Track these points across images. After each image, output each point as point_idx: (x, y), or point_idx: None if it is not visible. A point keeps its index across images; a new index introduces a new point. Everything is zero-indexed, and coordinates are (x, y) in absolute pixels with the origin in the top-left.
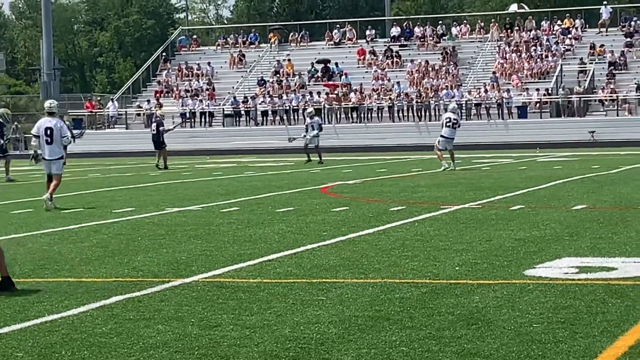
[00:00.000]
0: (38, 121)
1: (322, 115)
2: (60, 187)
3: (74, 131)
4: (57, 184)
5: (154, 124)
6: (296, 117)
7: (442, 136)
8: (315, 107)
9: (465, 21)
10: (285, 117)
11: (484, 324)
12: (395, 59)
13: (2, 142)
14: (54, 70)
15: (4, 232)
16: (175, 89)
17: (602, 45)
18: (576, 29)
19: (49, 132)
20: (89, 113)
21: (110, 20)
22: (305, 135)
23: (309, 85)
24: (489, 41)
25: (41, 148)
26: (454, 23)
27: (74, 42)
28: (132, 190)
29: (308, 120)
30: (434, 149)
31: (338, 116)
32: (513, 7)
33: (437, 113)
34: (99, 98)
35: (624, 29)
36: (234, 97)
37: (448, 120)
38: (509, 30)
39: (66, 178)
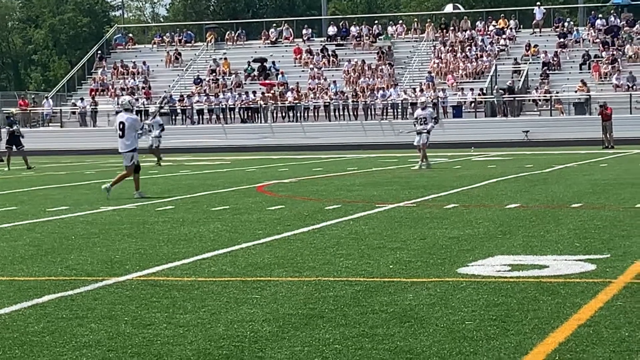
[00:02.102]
0: (116, 116)
1: (260, 114)
2: None
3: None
4: (125, 175)
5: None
6: (232, 116)
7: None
8: (252, 106)
9: (401, 21)
10: (221, 116)
11: (417, 321)
12: (331, 58)
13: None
14: None
15: None
16: (110, 87)
17: (536, 46)
18: (510, 29)
19: (121, 126)
20: (23, 111)
21: (45, 18)
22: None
23: (245, 84)
24: (425, 41)
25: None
26: (390, 23)
27: (8, 40)
28: (67, 188)
29: (150, 119)
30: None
31: (274, 115)
32: (448, 8)
33: (372, 112)
34: (33, 96)
35: (557, 29)
36: (170, 96)
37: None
38: (444, 31)
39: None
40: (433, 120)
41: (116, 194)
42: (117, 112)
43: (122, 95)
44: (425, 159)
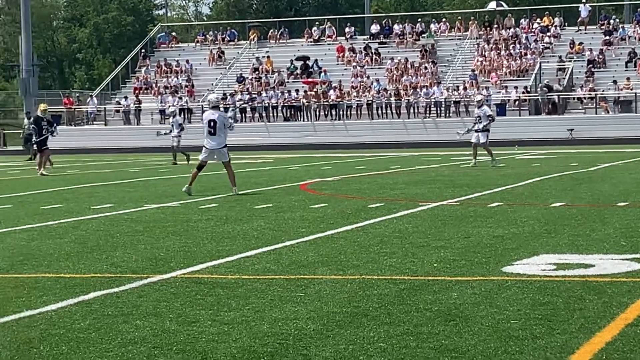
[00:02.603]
0: (204, 114)
1: (302, 113)
2: (39, 183)
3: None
4: (232, 171)
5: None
6: (275, 114)
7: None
8: (295, 104)
9: (444, 19)
10: (264, 114)
11: (462, 320)
12: (374, 56)
13: (41, 138)
14: (32, 67)
15: None
16: (154, 85)
17: (580, 43)
18: (555, 27)
19: (212, 124)
20: (67, 109)
21: (89, 17)
22: (166, 133)
23: (288, 82)
24: (468, 39)
25: (205, 137)
26: (433, 20)
27: (53, 39)
28: (111, 186)
29: (171, 119)
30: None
31: (317, 113)
32: (492, 5)
33: (415, 110)
34: (77, 94)
35: (602, 27)
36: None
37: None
38: (488, 28)
39: (45, 174)
40: (488, 118)
41: (158, 194)
42: (203, 110)
43: (165, 93)
44: (490, 156)
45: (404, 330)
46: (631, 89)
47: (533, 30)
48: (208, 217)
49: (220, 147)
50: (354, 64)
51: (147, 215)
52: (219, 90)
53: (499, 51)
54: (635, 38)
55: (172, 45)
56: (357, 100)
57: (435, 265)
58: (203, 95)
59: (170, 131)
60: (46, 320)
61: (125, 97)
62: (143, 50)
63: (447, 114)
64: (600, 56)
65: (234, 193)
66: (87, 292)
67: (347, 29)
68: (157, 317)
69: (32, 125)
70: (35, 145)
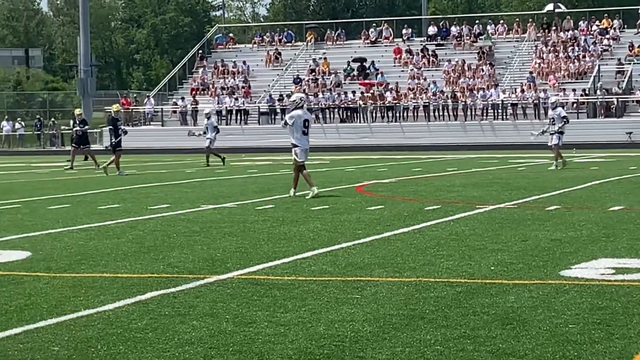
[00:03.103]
0: (292, 112)
1: (359, 114)
2: (96, 183)
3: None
4: (307, 172)
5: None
6: (331, 116)
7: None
8: (351, 106)
9: (502, 21)
10: (320, 116)
11: (519, 324)
12: (431, 58)
13: (118, 138)
14: (90, 67)
15: (40, 228)
16: (211, 86)
17: None
18: (614, 29)
19: (306, 123)
20: (125, 110)
21: (147, 18)
22: (200, 134)
23: (344, 83)
24: (526, 41)
25: (299, 139)
26: (491, 22)
27: (111, 39)
28: (168, 187)
29: (205, 121)
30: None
31: (373, 115)
32: (549, 7)
33: (472, 113)
34: (135, 95)
35: None
36: (270, 95)
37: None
38: (546, 30)
39: (101, 174)
40: (563, 120)
41: (215, 195)
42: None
43: (222, 94)
44: (560, 158)
45: (460, 333)
46: None
47: (592, 32)
48: (264, 218)
49: (309, 147)
50: (411, 65)
51: (204, 215)
52: (276, 92)
53: (557, 53)
54: None
55: (229, 46)
56: (414, 102)
57: (492, 268)
58: (260, 96)
59: (205, 132)
60: (103, 319)
61: (182, 98)
62: (200, 51)
63: (504, 117)
64: None
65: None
66: (144, 292)
67: (404, 31)
68: (214, 318)
69: (110, 127)
70: (111, 146)
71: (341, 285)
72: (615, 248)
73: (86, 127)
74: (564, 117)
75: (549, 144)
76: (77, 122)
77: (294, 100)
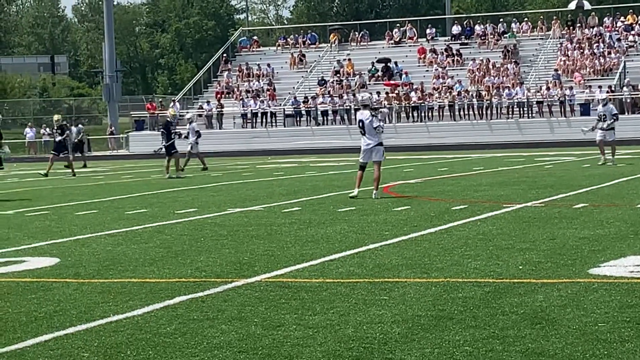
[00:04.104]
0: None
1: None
2: (123, 189)
3: None
4: (379, 174)
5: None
6: (355, 117)
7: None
8: (376, 106)
9: (526, 19)
10: (346, 117)
11: (548, 323)
12: (456, 58)
13: (170, 142)
14: (116, 73)
15: (69, 234)
16: (236, 89)
17: None
18: (639, 25)
19: (360, 124)
20: (151, 114)
21: (171, 22)
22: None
23: (369, 84)
24: (551, 38)
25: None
26: (515, 20)
27: (136, 44)
28: (194, 191)
29: (188, 125)
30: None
31: (399, 115)
32: (574, 4)
33: (498, 112)
34: (160, 99)
35: None
36: (295, 98)
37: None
38: (570, 27)
39: (129, 179)
40: (613, 117)
41: (241, 198)
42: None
43: (247, 97)
44: (612, 154)
45: (489, 333)
46: None
47: (617, 28)
48: (291, 221)
49: (375, 145)
50: (436, 65)
51: (231, 219)
52: (300, 94)
53: (582, 50)
54: None
55: (253, 49)
56: (439, 102)
57: (520, 267)
58: (285, 98)
59: (186, 137)
60: (132, 324)
61: (208, 102)
62: (224, 55)
63: (530, 115)
64: None
65: (374, 196)
66: (173, 297)
67: (428, 31)
68: (242, 322)
69: (162, 130)
70: (164, 150)
71: (369, 286)
72: None
73: (66, 133)
74: (615, 114)
75: (598, 139)
76: (56, 128)
77: (362, 98)
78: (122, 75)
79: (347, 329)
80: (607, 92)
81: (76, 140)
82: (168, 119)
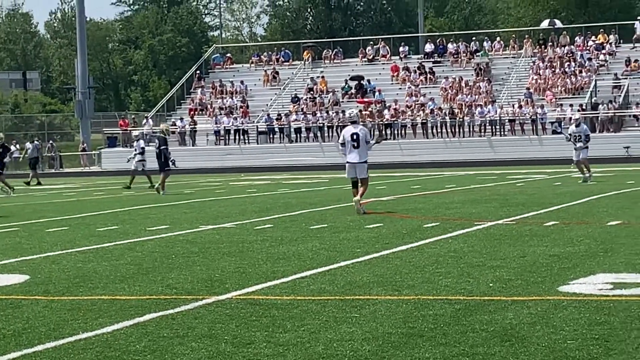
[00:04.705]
0: (344, 130)
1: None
2: (94, 205)
3: None
4: (365, 188)
5: (157, 141)
6: (330, 134)
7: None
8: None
9: (498, 37)
10: (319, 134)
11: (518, 340)
12: (428, 76)
13: (167, 156)
14: (88, 89)
15: (39, 251)
16: (209, 106)
17: (636, 60)
18: (610, 44)
19: (355, 136)
20: (123, 131)
21: (144, 39)
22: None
23: (342, 102)
24: (523, 57)
25: (348, 153)
26: (487, 39)
27: (109, 61)
28: (166, 207)
29: (135, 143)
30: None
31: (372, 133)
32: (545, 23)
33: (471, 129)
34: (133, 116)
35: None
36: (268, 115)
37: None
38: (542, 46)
39: (100, 196)
40: (586, 137)
41: (214, 215)
42: (343, 126)
43: (220, 114)
44: (587, 171)
45: (460, 351)
46: None
47: (588, 47)
48: (263, 238)
49: (361, 162)
50: (409, 83)
51: (203, 236)
52: (274, 111)
53: (553, 69)
54: None
55: (227, 66)
56: (412, 120)
57: (491, 285)
58: (258, 115)
59: (134, 156)
60: (102, 342)
61: (181, 119)
62: (198, 72)
63: (502, 133)
64: None
65: (357, 209)
66: (143, 314)
67: (401, 49)
68: (213, 339)
69: (163, 147)
70: (172, 164)
71: (340, 304)
72: (613, 263)
73: (6, 152)
74: (588, 134)
75: (575, 159)
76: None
77: (349, 115)
78: (95, 91)
79: (318, 346)
80: (579, 110)
81: (32, 157)
82: (164, 135)
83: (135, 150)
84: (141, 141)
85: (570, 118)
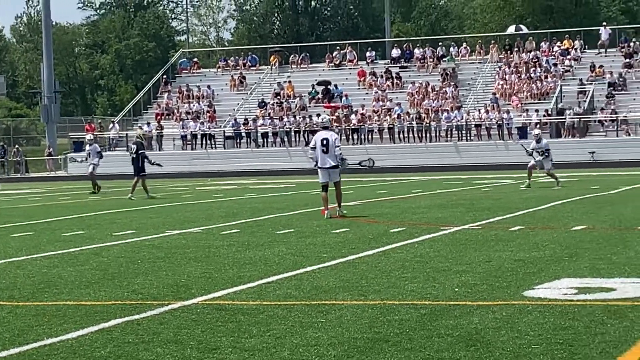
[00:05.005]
0: (316, 135)
1: None
2: (60, 210)
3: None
4: (340, 192)
5: (133, 146)
6: (297, 139)
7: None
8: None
9: (465, 43)
10: (286, 139)
11: (483, 345)
12: (395, 81)
13: (145, 161)
14: (54, 93)
15: (3, 256)
16: (176, 111)
17: (601, 66)
18: (575, 49)
19: (324, 142)
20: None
21: (111, 43)
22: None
23: (309, 107)
24: (489, 62)
25: (319, 158)
26: (454, 44)
27: (75, 65)
28: (133, 212)
29: (87, 147)
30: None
31: (339, 137)
32: (512, 29)
33: (437, 134)
34: (99, 121)
35: (623, 49)
36: (235, 119)
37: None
38: (508, 52)
39: (67, 201)
40: (546, 152)
41: (180, 220)
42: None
43: (187, 118)
44: (555, 179)
45: (425, 356)
46: None
47: (553, 53)
48: (230, 243)
49: (333, 167)
50: (375, 88)
51: (169, 241)
52: (241, 116)
53: (519, 74)
54: None
55: (194, 71)
56: (379, 125)
57: (456, 289)
58: (225, 120)
59: (86, 159)
60: (67, 348)
61: (148, 123)
62: (165, 76)
63: (468, 138)
64: (621, 79)
65: (338, 214)
66: (108, 320)
67: (368, 54)
68: (178, 345)
69: (142, 151)
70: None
71: (306, 309)
72: (577, 268)
73: None
74: (548, 149)
75: (530, 164)
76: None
77: (321, 120)
78: (61, 96)
79: (284, 351)
80: (537, 125)
81: None
82: (141, 140)
83: (89, 153)
84: (95, 145)
85: (537, 123)
